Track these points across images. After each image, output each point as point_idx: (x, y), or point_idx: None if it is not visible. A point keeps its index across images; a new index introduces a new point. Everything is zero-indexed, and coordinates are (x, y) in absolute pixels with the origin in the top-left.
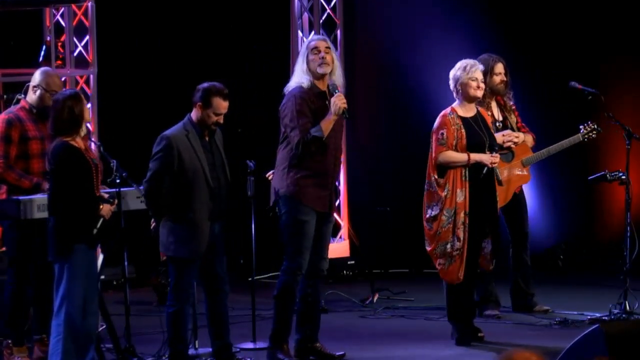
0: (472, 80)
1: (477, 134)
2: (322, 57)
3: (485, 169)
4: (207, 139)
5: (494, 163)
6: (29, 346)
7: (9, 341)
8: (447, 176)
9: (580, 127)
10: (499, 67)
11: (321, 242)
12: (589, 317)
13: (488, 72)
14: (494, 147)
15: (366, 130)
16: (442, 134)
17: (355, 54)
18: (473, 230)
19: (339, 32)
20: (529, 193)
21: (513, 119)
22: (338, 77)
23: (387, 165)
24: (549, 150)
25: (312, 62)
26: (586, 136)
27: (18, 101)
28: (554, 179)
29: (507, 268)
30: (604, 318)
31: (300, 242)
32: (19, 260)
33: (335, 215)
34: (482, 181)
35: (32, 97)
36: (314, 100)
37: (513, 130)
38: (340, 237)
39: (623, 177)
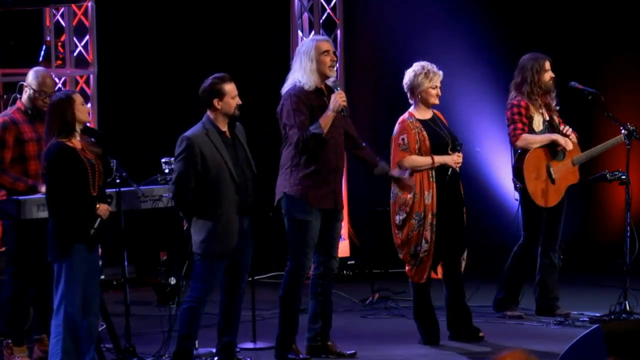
0: (433, 89)
1: (439, 135)
2: (333, 60)
3: (450, 170)
4: (228, 135)
5: (458, 163)
6: (29, 346)
7: (9, 341)
8: (413, 179)
9: (621, 127)
10: (548, 64)
11: (330, 241)
12: (589, 317)
13: (540, 70)
14: (456, 147)
15: (366, 129)
16: (403, 139)
17: (355, 54)
18: (441, 231)
19: (339, 32)
20: None
21: (556, 119)
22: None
23: (387, 165)
24: (596, 149)
25: (323, 64)
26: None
27: (15, 101)
28: None
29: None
30: (604, 318)
31: (304, 243)
32: (19, 260)
33: None
34: (448, 181)
35: (24, 97)
36: (313, 97)
37: (557, 130)
38: (340, 237)
39: (623, 177)
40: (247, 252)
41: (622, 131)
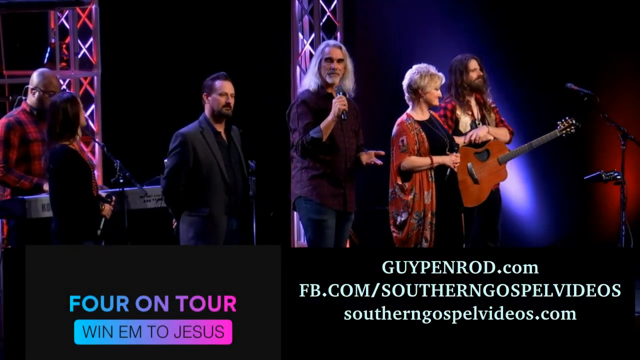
0: (436, 90)
1: (437, 136)
2: (333, 68)
3: (449, 170)
4: (224, 137)
5: (456, 163)
6: None
7: None
8: (413, 180)
9: (558, 122)
10: (473, 64)
11: (338, 241)
12: None
13: (463, 71)
14: (454, 147)
15: (366, 130)
16: (402, 140)
17: (355, 57)
18: (440, 230)
19: (338, 34)
20: (526, 192)
21: (492, 117)
22: (348, 82)
23: (387, 164)
24: (525, 147)
25: (324, 69)
26: (564, 132)
27: (20, 102)
28: (550, 179)
29: None
30: None
31: (321, 242)
32: None
33: None
34: (446, 181)
35: (31, 99)
36: (321, 102)
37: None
38: None
39: (618, 177)
40: None
41: (559, 126)
